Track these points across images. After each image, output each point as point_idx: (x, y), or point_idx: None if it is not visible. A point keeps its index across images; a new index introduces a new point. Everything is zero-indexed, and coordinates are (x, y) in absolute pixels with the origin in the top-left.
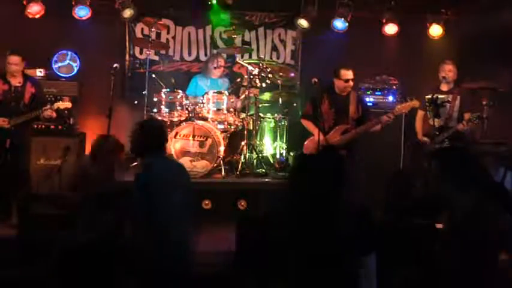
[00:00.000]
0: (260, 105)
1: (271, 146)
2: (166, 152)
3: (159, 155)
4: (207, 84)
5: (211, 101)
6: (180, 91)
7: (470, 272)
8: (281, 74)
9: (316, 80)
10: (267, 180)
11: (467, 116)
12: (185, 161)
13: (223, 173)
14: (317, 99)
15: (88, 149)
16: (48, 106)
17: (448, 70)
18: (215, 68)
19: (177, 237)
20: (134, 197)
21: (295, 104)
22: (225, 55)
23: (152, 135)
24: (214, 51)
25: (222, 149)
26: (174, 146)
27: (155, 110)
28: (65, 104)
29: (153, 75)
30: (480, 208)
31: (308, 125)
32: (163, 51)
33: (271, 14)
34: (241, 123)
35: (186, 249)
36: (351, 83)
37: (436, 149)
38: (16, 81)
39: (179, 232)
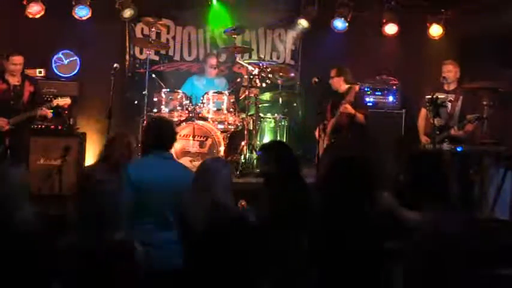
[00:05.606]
0: (260, 105)
1: None
2: (167, 153)
3: (155, 154)
4: (203, 84)
5: (211, 101)
6: (180, 91)
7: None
8: (281, 74)
9: (316, 80)
10: None
11: (468, 117)
12: (185, 161)
13: None
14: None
15: (88, 149)
16: (46, 105)
17: (448, 71)
18: (210, 67)
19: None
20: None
21: (295, 104)
22: (225, 56)
23: (150, 134)
24: (209, 51)
25: (222, 149)
26: (174, 146)
27: (155, 110)
28: (64, 100)
29: (153, 75)
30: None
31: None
32: (163, 51)
33: (271, 14)
34: (241, 123)
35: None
36: (334, 80)
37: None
38: (15, 80)
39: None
